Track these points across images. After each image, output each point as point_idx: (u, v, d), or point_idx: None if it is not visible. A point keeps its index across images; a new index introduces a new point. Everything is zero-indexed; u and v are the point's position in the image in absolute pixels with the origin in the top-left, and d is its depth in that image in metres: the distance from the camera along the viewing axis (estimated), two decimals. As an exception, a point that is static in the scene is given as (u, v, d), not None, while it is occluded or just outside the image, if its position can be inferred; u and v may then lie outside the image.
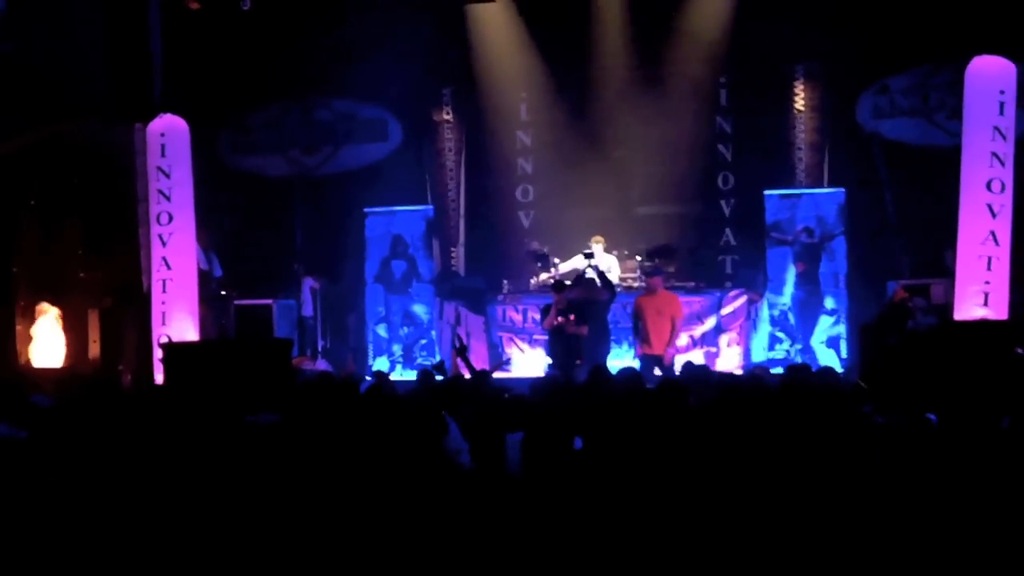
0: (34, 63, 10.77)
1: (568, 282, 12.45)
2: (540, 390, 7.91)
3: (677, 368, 11.42)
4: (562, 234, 14.55)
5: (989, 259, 10.71)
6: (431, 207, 14.55)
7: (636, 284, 13.46)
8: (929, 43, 13.15)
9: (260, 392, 8.09)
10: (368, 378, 11.39)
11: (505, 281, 14.30)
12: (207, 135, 13.86)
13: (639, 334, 11.68)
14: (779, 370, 10.82)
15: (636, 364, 11.51)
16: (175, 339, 11.52)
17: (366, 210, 13.96)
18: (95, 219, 11.97)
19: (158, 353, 11.41)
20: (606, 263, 13.44)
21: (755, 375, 9.74)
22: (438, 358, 13.38)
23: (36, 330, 11.79)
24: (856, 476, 5.02)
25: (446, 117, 15.64)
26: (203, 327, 12.20)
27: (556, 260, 13.92)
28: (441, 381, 9.58)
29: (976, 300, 10.70)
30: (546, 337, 12.51)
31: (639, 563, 4.34)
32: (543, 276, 13.96)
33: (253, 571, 4.44)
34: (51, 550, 4.51)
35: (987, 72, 11.01)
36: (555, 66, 14.93)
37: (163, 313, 11.86)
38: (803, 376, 8.19)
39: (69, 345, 11.62)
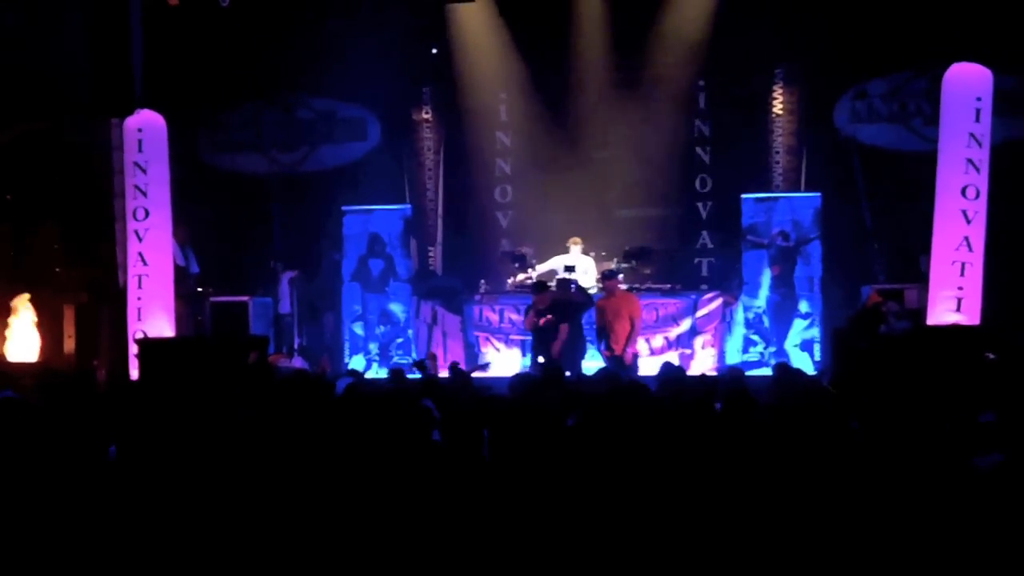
0: (12, 59, 10.69)
1: (550, 284, 12.48)
2: (516, 387, 7.96)
3: (643, 369, 11.54)
4: (540, 235, 14.60)
5: (963, 265, 10.82)
6: (409, 206, 14.54)
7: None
8: (907, 49, 13.26)
9: (236, 388, 8.10)
10: (345, 376, 11.38)
11: (482, 281, 14.31)
12: (186, 131, 13.80)
13: (603, 337, 11.73)
14: (764, 371, 10.93)
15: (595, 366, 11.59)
16: (151, 335, 11.48)
17: (344, 208, 13.93)
18: (72, 214, 11.90)
19: (134, 349, 11.36)
20: (583, 265, 13.49)
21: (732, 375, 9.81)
22: (413, 356, 13.39)
23: (11, 325, 11.71)
24: (831, 480, 5.07)
25: (425, 117, 15.65)
26: (179, 323, 12.15)
27: (534, 261, 13.95)
28: (419, 379, 9.61)
29: (949, 305, 10.80)
30: (523, 337, 12.54)
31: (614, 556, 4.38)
32: (520, 276, 13.98)
33: (235, 567, 4.43)
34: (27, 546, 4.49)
35: (964, 79, 11.12)
36: (535, 67, 14.97)
37: (139, 309, 11.79)
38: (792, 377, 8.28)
39: (44, 340, 11.54)
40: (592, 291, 12.64)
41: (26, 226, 12.07)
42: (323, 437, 5.49)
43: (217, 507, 4.70)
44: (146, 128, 11.85)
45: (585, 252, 13.72)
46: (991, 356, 9.64)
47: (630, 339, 11.67)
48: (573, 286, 12.29)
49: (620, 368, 11.14)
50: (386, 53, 13.85)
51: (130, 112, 11.15)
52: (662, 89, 14.72)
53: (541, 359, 11.67)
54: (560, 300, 12.00)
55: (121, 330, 11.75)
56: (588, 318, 12.24)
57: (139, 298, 11.79)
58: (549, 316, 11.78)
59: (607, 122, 14.87)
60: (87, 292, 11.84)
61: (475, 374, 10.93)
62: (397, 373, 10.01)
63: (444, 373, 10.57)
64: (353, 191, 14.32)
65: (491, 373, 12.57)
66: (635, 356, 11.82)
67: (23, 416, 5.56)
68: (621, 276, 13.19)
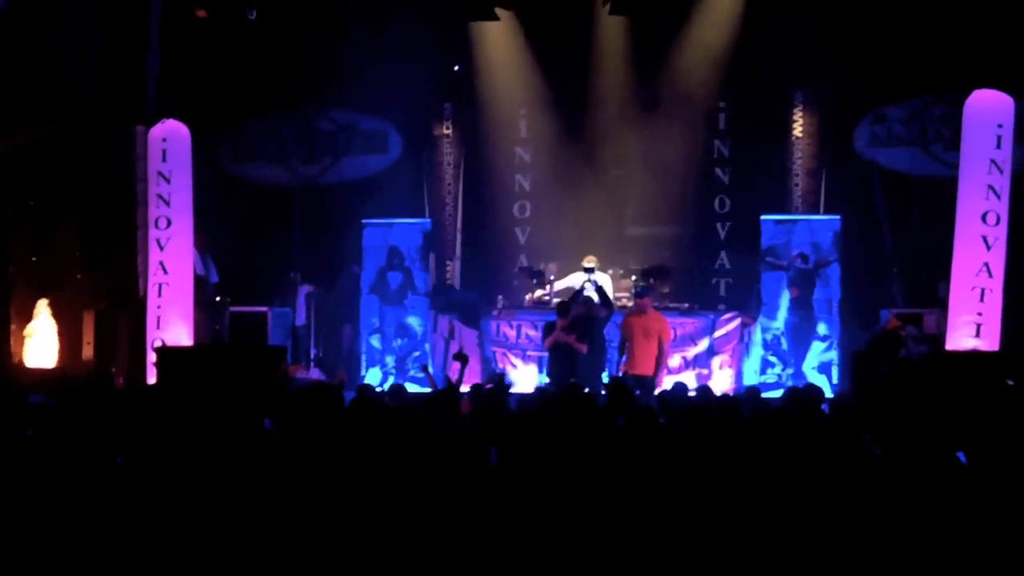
0: (34, 64, 10.79)
1: (567, 299, 12.51)
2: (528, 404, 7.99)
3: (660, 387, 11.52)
4: (558, 251, 14.62)
5: (983, 291, 10.79)
6: (428, 220, 14.58)
7: (630, 303, 13.50)
8: (927, 74, 13.28)
9: (253, 398, 8.10)
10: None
11: (500, 296, 14.34)
12: (207, 142, 13.89)
13: (625, 353, 11.71)
14: (776, 393, 10.90)
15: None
16: (169, 343, 11.52)
17: (364, 221, 13.97)
18: (94, 221, 11.99)
19: (152, 357, 11.40)
20: (599, 282, 13.47)
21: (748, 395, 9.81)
22: (430, 369, 13.41)
23: (31, 330, 11.78)
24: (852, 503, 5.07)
25: (446, 131, 15.72)
26: (197, 332, 12.20)
27: (552, 276, 13.96)
28: (434, 393, 9.63)
29: (968, 331, 10.77)
30: (540, 354, 12.54)
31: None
32: (538, 292, 13.99)
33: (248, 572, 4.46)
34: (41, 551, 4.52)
35: (986, 105, 11.12)
36: (556, 84, 15.02)
37: (158, 317, 11.84)
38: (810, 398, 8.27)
39: (63, 346, 11.62)
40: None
41: (47, 232, 12.15)
42: (337, 448, 5.52)
43: (229, 515, 4.73)
44: (171, 138, 11.95)
45: (601, 269, 13.71)
46: (1010, 383, 9.60)
47: (660, 362, 11.61)
48: (594, 286, 12.28)
49: (641, 389, 11.13)
50: (408, 67, 13.93)
51: (141, 120, 11.23)
52: (682, 109, 14.73)
53: (550, 379, 11.67)
54: (582, 317, 12.01)
55: (140, 338, 11.81)
56: (607, 333, 12.22)
57: (159, 306, 11.84)
58: (572, 336, 11.76)
59: (626, 140, 14.90)
60: (107, 299, 11.90)
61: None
62: (398, 389, 10.03)
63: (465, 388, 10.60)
64: (373, 204, 14.36)
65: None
66: (664, 377, 11.74)
67: (53, 421, 5.61)
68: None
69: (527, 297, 14.17)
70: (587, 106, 15.00)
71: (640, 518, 4.70)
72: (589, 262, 13.51)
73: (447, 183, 15.71)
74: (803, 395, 8.42)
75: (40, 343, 11.76)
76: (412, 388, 11.53)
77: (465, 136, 15.67)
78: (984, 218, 10.87)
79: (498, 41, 14.86)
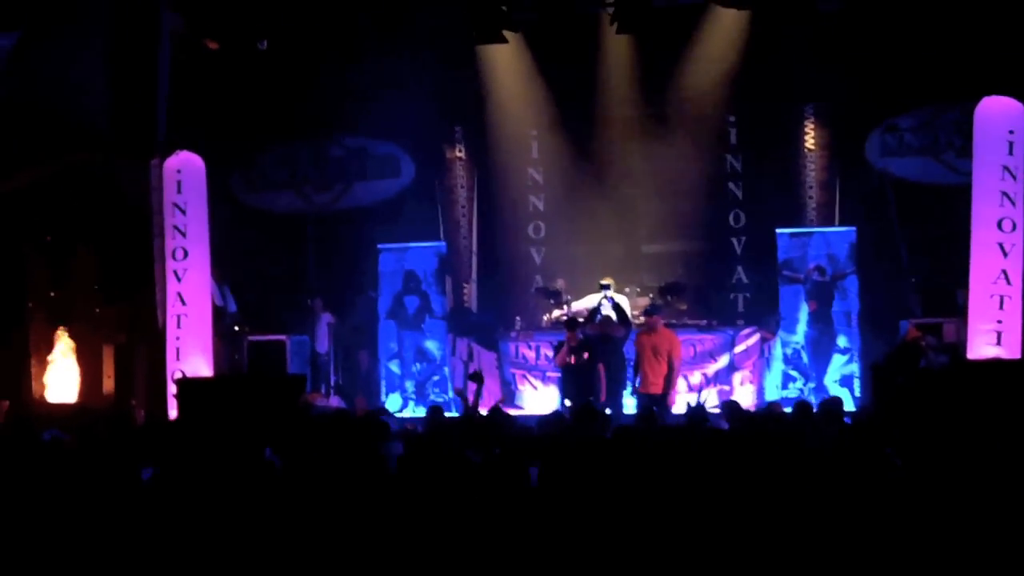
0: (44, 99, 10.85)
1: (581, 319, 12.49)
2: (545, 427, 7.98)
3: (678, 409, 11.48)
4: (573, 270, 14.63)
5: (1001, 298, 10.75)
6: (443, 243, 14.60)
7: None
8: (937, 82, 13.25)
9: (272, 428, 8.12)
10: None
11: (517, 317, 14.35)
12: (221, 172, 13.97)
13: (640, 371, 11.70)
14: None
15: (633, 401, 11.55)
16: (189, 375, 11.56)
17: (379, 246, 14.00)
18: (111, 254, 12.04)
19: (172, 389, 11.44)
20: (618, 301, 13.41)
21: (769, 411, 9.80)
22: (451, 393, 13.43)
23: (50, 365, 11.83)
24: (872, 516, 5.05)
25: (458, 154, 15.76)
26: (216, 363, 12.24)
27: (569, 296, 13.96)
28: (455, 418, 9.64)
29: (988, 339, 10.72)
30: (559, 374, 12.53)
31: None
32: (556, 313, 13.99)
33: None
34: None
35: (996, 112, 11.11)
36: (566, 104, 15.04)
37: (177, 349, 11.89)
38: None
39: (83, 380, 11.65)
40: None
41: (65, 266, 12.20)
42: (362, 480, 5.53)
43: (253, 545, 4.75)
44: (185, 169, 12.03)
45: (617, 288, 13.64)
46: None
47: (670, 380, 11.57)
48: (611, 303, 12.27)
49: (654, 405, 11.10)
50: (419, 91, 13.99)
51: (154, 152, 11.30)
52: (693, 125, 14.75)
53: (568, 402, 11.65)
54: (598, 337, 11.99)
55: (159, 370, 11.84)
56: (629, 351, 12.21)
57: (178, 338, 11.89)
58: (585, 354, 11.75)
59: (639, 158, 14.91)
60: (126, 332, 11.95)
61: (511, 410, 11.00)
62: (435, 411, 10.04)
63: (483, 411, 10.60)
64: (388, 228, 14.39)
65: (527, 410, 12.60)
66: (676, 396, 11.73)
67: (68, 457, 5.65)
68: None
69: (545, 318, 14.18)
70: (598, 125, 15.03)
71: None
72: (606, 280, 13.50)
73: (461, 205, 15.74)
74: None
75: (60, 377, 11.80)
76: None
77: (477, 158, 15.70)
78: (1000, 225, 10.84)
79: (507, 63, 14.88)
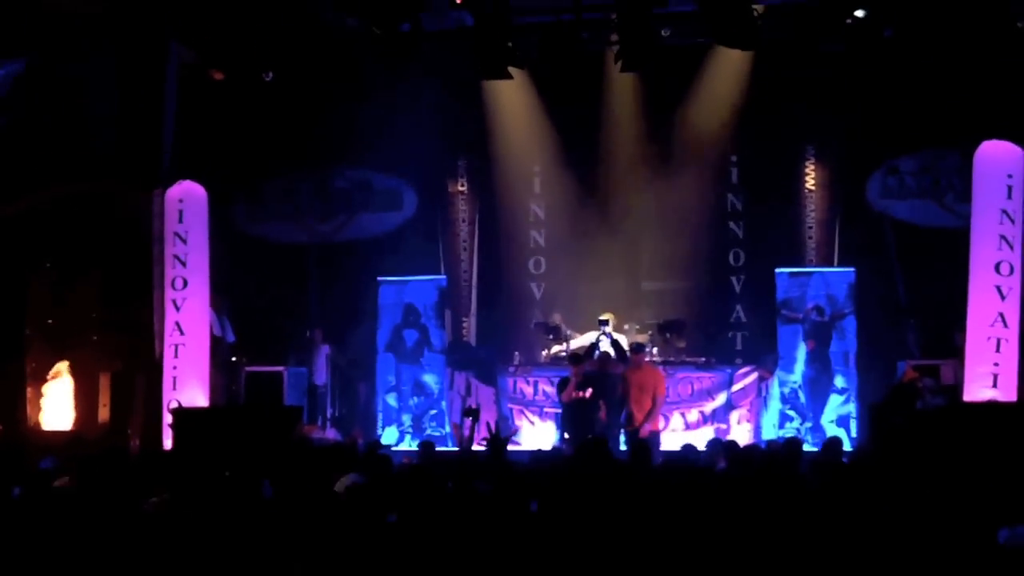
0: (51, 126, 10.92)
1: (581, 353, 12.50)
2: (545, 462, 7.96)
3: (665, 444, 11.48)
4: (573, 306, 14.62)
5: (998, 341, 10.76)
6: (444, 277, 14.63)
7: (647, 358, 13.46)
8: (938, 125, 13.32)
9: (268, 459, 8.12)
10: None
11: (516, 353, 14.33)
12: (224, 201, 14.01)
13: (624, 409, 11.75)
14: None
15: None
16: (185, 404, 11.54)
17: (379, 279, 14.03)
18: (110, 282, 12.05)
19: (168, 418, 11.41)
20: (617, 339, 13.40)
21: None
22: (447, 429, 13.41)
23: (47, 392, 11.82)
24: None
25: (460, 188, 15.82)
26: (213, 393, 12.21)
27: (569, 332, 13.96)
28: (454, 453, 9.63)
29: (985, 382, 10.72)
30: (557, 410, 12.51)
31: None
32: (555, 348, 13.99)
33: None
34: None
35: (995, 156, 11.17)
36: (568, 140, 15.13)
37: (174, 378, 11.86)
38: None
39: (78, 408, 11.63)
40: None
41: (64, 293, 12.21)
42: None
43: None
44: (187, 199, 12.05)
45: (616, 327, 13.63)
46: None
47: (650, 415, 11.62)
48: (609, 339, 12.29)
49: (645, 441, 11.09)
50: (422, 125, 14.06)
51: (155, 183, 11.34)
52: (695, 163, 14.80)
53: (567, 435, 11.65)
54: (597, 374, 11.99)
55: (156, 399, 11.81)
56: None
57: (175, 367, 11.86)
58: (589, 389, 11.75)
59: (640, 195, 14.96)
60: (123, 360, 11.92)
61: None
62: (427, 446, 10.03)
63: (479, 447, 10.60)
64: (388, 261, 14.43)
65: (525, 446, 12.57)
66: (654, 433, 11.72)
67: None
68: (655, 350, 13.21)
69: (544, 353, 14.17)
70: (600, 162, 15.09)
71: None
72: (605, 316, 13.49)
73: (462, 239, 15.79)
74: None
75: (56, 405, 11.78)
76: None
77: (480, 193, 15.76)
78: (997, 268, 10.86)
79: (511, 99, 14.96)
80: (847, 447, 11.66)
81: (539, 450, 10.66)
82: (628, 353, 12.75)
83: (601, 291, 14.63)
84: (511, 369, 13.89)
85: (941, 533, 5.36)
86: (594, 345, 13.00)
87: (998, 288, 10.84)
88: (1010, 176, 11.01)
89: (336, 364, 14.42)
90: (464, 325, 15.62)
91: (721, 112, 14.54)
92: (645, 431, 11.59)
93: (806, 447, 10.89)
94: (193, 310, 11.95)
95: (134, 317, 11.99)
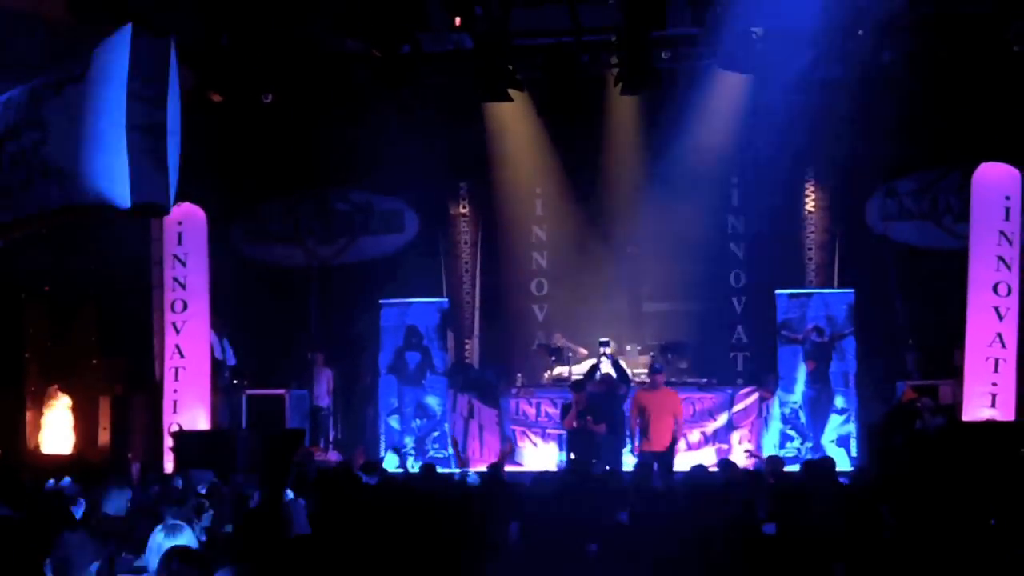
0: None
1: (579, 377, 12.51)
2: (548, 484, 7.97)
3: (678, 466, 11.45)
4: (575, 328, 14.63)
5: (996, 361, 10.79)
6: (446, 299, 14.64)
7: (648, 379, 13.44)
8: (936, 148, 13.37)
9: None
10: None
11: (519, 374, 14.33)
12: (224, 224, 14.06)
13: (641, 430, 11.65)
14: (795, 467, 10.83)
15: (634, 460, 11.52)
16: (186, 428, 11.53)
17: (381, 301, 14.05)
18: (110, 305, 12.05)
19: (168, 442, 11.41)
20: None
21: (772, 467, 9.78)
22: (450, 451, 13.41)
23: (47, 416, 11.81)
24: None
25: (462, 210, 15.84)
26: (214, 416, 12.21)
27: (571, 348, 13.96)
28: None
29: (984, 401, 10.75)
30: (560, 431, 12.50)
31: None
32: (557, 370, 13.99)
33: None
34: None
35: (993, 178, 11.23)
36: (570, 162, 15.18)
37: (175, 401, 11.86)
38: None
39: (79, 432, 11.63)
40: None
41: (63, 317, 12.20)
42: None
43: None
44: (186, 221, 12.07)
45: (617, 351, 13.58)
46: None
47: (677, 436, 11.68)
48: (611, 360, 12.30)
49: (656, 462, 11.08)
50: (424, 147, 14.12)
51: (166, 213, 11.31)
52: (695, 186, 14.81)
53: (573, 455, 11.64)
54: (602, 395, 11.98)
55: (156, 422, 11.81)
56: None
57: (175, 390, 11.87)
58: (589, 418, 11.70)
59: (641, 217, 14.99)
60: (123, 384, 11.92)
61: (508, 467, 10.98)
62: (428, 469, 10.03)
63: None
64: (390, 283, 14.44)
65: (527, 467, 12.57)
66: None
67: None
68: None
69: (546, 375, 14.18)
70: (601, 184, 15.13)
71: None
72: (605, 338, 13.45)
73: (464, 261, 15.80)
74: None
75: (56, 429, 11.77)
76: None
77: (481, 215, 15.80)
78: (995, 289, 10.90)
79: (512, 121, 15.01)
80: (846, 467, 11.68)
81: (543, 471, 10.67)
82: (630, 374, 12.77)
83: (603, 312, 14.65)
84: (514, 391, 13.90)
85: (942, 552, 5.36)
86: (595, 367, 12.98)
87: (996, 309, 10.87)
88: (1008, 198, 11.08)
89: (338, 387, 14.42)
90: (466, 347, 15.62)
91: (722, 134, 14.58)
92: (676, 452, 11.62)
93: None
94: (193, 333, 11.96)
95: (134, 341, 11.99)
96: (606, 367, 12.95)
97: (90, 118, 5.44)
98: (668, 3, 11.99)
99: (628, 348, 13.93)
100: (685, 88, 14.24)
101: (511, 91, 13.46)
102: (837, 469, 9.07)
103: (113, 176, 5.37)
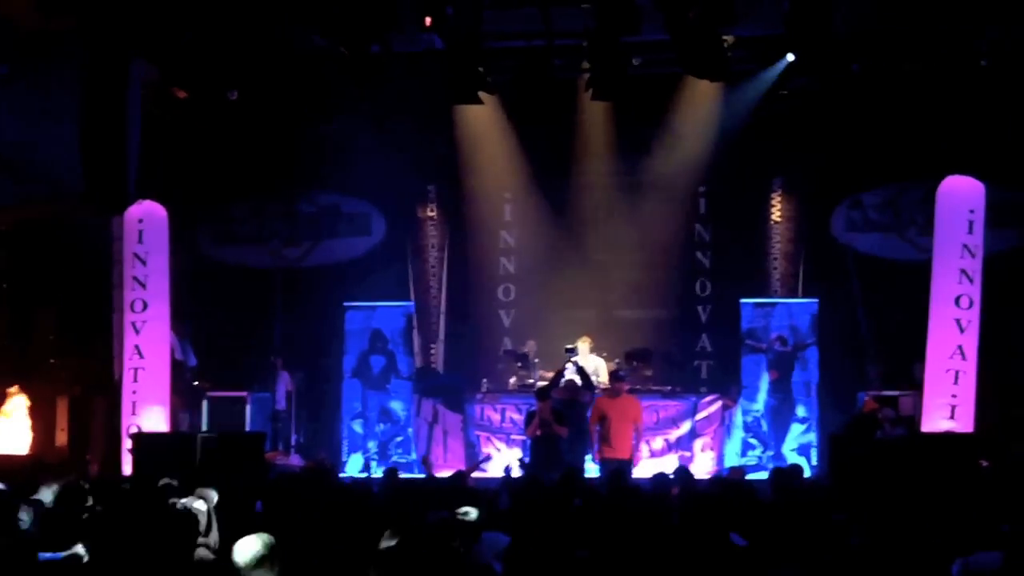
0: (11, 148, 10.78)
1: (545, 382, 12.47)
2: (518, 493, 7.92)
3: (639, 473, 11.42)
4: (543, 334, 14.58)
5: (956, 373, 10.85)
6: (412, 303, 14.59)
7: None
8: (902, 161, 13.45)
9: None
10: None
11: (484, 380, 14.27)
12: (187, 223, 13.91)
13: (601, 437, 11.61)
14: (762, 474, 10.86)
15: (596, 467, 11.47)
16: (145, 429, 11.38)
17: (346, 304, 13.98)
18: (70, 305, 11.87)
19: (127, 443, 11.26)
20: (592, 364, 13.32)
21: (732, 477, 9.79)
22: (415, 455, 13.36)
23: (2, 417, 11.61)
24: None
25: (430, 214, 15.78)
26: (174, 418, 12.07)
27: (537, 360, 13.92)
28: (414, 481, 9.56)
29: (943, 413, 10.80)
30: (524, 438, 12.45)
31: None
32: (522, 375, 13.96)
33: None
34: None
35: (957, 191, 11.29)
36: (540, 169, 15.14)
37: (133, 403, 11.67)
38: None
39: (36, 432, 11.43)
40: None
41: (22, 315, 12.01)
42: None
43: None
44: (147, 219, 11.86)
45: (594, 351, 13.54)
46: (985, 464, 9.61)
47: (638, 444, 11.66)
48: (576, 367, 12.27)
49: (620, 470, 11.04)
50: (392, 150, 14.06)
51: (123, 208, 11.18)
52: (663, 194, 14.87)
53: (523, 459, 11.58)
54: (566, 402, 11.94)
55: (115, 424, 11.63)
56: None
57: (134, 391, 11.67)
58: (554, 426, 11.63)
59: (609, 224, 15.03)
60: (81, 384, 11.74)
61: (475, 473, 10.92)
62: (391, 474, 9.95)
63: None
64: (356, 287, 14.37)
65: (492, 474, 12.50)
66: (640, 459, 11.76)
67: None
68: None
69: (512, 380, 14.13)
70: (571, 189, 15.14)
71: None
72: (583, 342, 13.35)
73: (431, 265, 15.74)
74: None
75: (12, 429, 11.57)
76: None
77: (449, 219, 15.74)
78: (957, 301, 10.95)
79: (482, 125, 14.92)
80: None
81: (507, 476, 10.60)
82: (595, 380, 12.74)
83: (571, 319, 14.61)
84: (479, 396, 13.83)
85: (898, 562, 5.37)
86: (560, 374, 12.96)
87: (957, 321, 10.94)
88: (972, 211, 11.15)
89: (301, 390, 14.32)
90: (432, 352, 15.56)
91: (691, 142, 14.61)
92: (637, 461, 11.61)
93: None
94: (153, 333, 11.78)
95: (93, 340, 11.81)
96: (570, 374, 12.90)
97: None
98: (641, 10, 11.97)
99: (604, 354, 13.90)
100: (657, 94, 14.25)
101: (481, 94, 13.38)
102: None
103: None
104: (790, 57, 12.46)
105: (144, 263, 11.75)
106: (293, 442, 14.20)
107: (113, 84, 10.39)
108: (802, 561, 5.38)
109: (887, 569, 5.35)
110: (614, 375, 12.40)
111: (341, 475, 12.27)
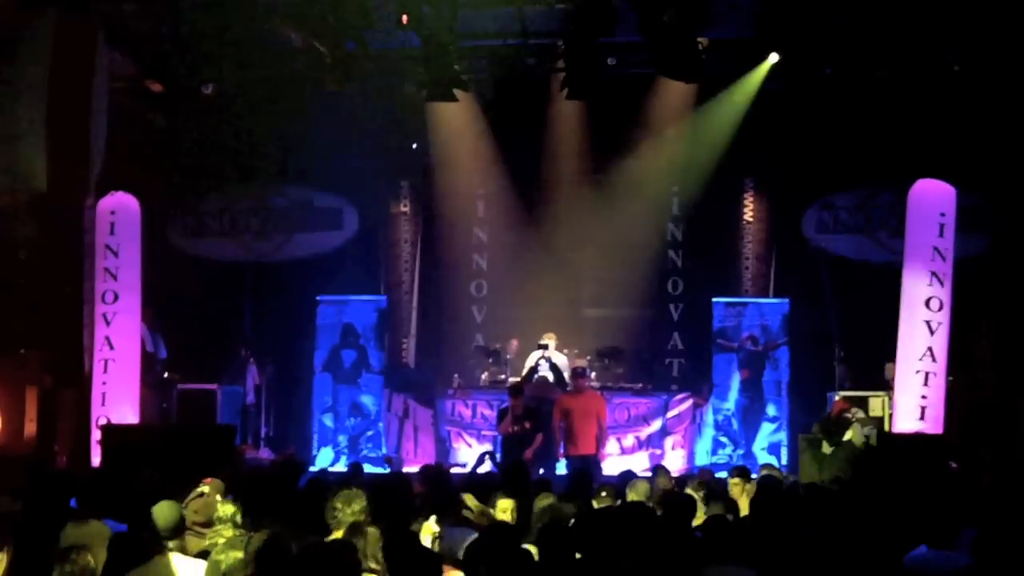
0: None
1: (518, 379, 12.49)
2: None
3: (608, 469, 11.47)
4: (514, 331, 14.62)
5: (926, 374, 10.94)
6: (384, 297, 14.57)
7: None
8: (874, 163, 13.56)
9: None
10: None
11: (456, 375, 14.28)
12: (159, 215, 13.81)
13: (565, 435, 11.61)
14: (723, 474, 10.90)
15: (562, 464, 11.49)
16: (115, 421, 11.30)
17: (318, 298, 13.93)
18: (40, 295, 11.71)
19: (96, 435, 11.17)
20: (557, 362, 13.41)
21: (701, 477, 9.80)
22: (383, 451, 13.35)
23: (-31, 407, 11.45)
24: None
25: (403, 209, 15.76)
26: (144, 410, 11.97)
27: (509, 356, 13.93)
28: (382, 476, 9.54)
29: (912, 414, 10.88)
30: (495, 433, 12.46)
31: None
32: (494, 371, 13.97)
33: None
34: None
35: (928, 195, 11.39)
36: (513, 166, 15.16)
37: (103, 394, 11.55)
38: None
39: (4, 423, 11.28)
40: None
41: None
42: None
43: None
44: (119, 211, 11.75)
45: (559, 349, 13.64)
46: (954, 465, 9.70)
47: (601, 440, 11.60)
48: (548, 363, 12.30)
49: (587, 468, 11.05)
50: (365, 145, 14.01)
51: (84, 196, 11.10)
52: (637, 192, 14.91)
53: (492, 452, 11.57)
54: (536, 399, 11.95)
55: (84, 415, 11.52)
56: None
57: (104, 383, 11.55)
58: (527, 424, 11.62)
59: (582, 223, 15.06)
60: (51, 375, 11.60)
61: (454, 470, 10.91)
62: (356, 468, 9.93)
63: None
64: (327, 281, 14.34)
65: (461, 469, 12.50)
66: (596, 457, 11.71)
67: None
68: (593, 375, 13.23)
69: (483, 376, 14.14)
70: (544, 188, 15.16)
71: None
72: (548, 339, 13.39)
73: (403, 261, 15.72)
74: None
75: (-21, 421, 11.43)
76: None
77: (422, 214, 15.74)
78: (928, 304, 11.04)
79: (456, 122, 14.93)
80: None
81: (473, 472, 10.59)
82: (566, 376, 12.76)
83: (543, 316, 14.62)
84: (450, 391, 13.85)
85: (864, 560, 5.41)
86: (533, 370, 12.98)
87: (927, 323, 11.02)
88: (943, 214, 11.23)
89: (271, 383, 14.26)
90: (403, 346, 15.55)
91: (664, 142, 14.68)
92: (604, 457, 11.64)
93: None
94: (124, 325, 11.67)
95: (63, 331, 11.68)
96: (543, 371, 12.93)
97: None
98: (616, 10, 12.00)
99: (566, 352, 13.94)
100: (631, 94, 14.29)
101: (456, 91, 13.39)
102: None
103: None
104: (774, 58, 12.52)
105: (116, 255, 11.65)
106: (263, 435, 14.14)
107: (81, 74, 10.31)
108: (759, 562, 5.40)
109: (849, 568, 5.39)
110: (576, 372, 12.42)
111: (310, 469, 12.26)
